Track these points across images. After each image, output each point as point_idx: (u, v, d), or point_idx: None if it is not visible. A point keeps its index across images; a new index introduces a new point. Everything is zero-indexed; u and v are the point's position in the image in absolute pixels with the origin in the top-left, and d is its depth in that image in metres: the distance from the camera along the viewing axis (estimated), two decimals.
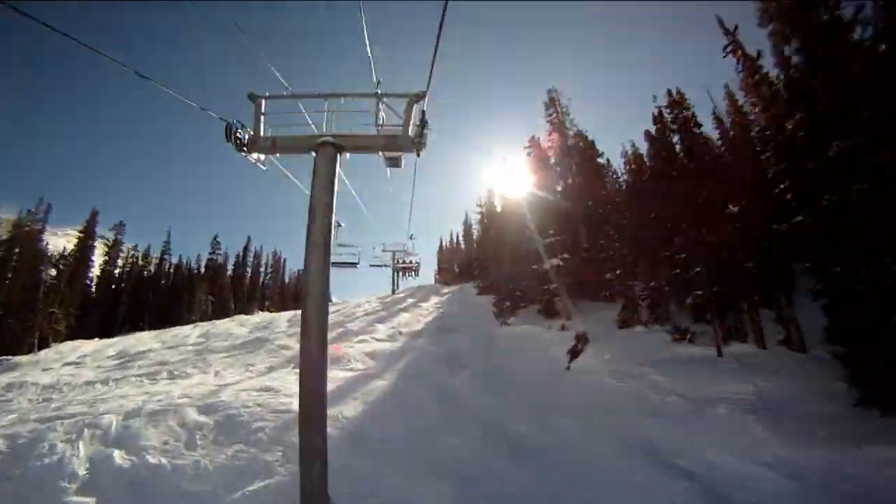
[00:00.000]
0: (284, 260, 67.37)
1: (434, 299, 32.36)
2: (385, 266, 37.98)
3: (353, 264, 9.82)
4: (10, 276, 33.87)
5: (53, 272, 38.26)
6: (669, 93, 16.98)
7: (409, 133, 6.02)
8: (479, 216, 45.23)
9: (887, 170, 9.50)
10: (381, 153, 6.45)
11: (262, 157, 6.38)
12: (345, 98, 6.34)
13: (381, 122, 6.33)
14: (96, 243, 44.13)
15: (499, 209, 36.71)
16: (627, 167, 30.73)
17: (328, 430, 5.55)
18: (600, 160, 26.49)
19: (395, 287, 39.91)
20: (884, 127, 9.72)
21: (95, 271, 45.05)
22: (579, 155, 26.01)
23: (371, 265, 36.45)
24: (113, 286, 45.44)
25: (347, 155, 6.27)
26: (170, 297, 48.37)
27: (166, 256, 50.62)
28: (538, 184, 26.54)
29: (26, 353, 30.49)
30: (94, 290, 44.15)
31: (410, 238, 37.54)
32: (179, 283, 50.14)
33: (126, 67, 4.73)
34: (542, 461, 9.42)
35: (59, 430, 10.67)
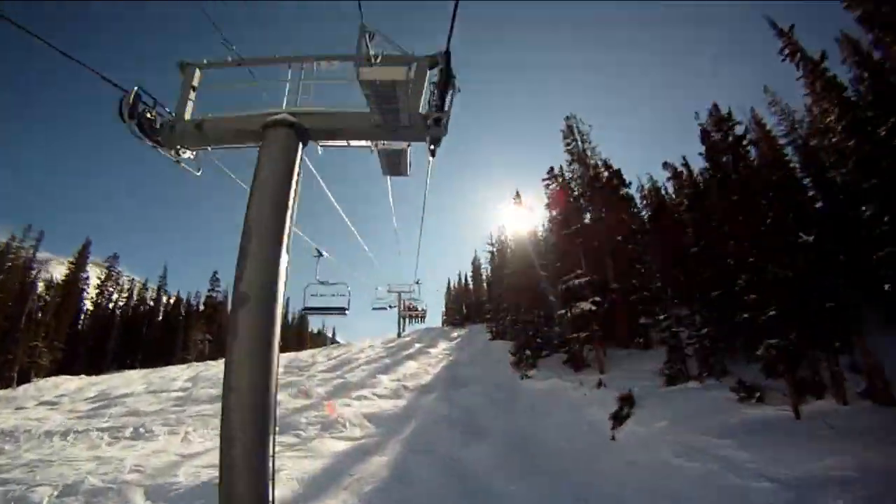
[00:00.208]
0: (288, 298, 64.94)
1: (443, 344, 29.96)
2: (390, 307, 35.13)
3: (341, 310, 7.68)
4: None
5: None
6: (716, 108, 14.78)
7: (420, 109, 3.68)
8: (489, 255, 42.73)
9: None
10: (374, 149, 4.12)
11: (191, 153, 4.06)
12: (322, 63, 4.06)
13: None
14: (92, 273, 42.51)
15: (512, 247, 34.28)
16: (651, 200, 28.50)
17: None
18: (627, 190, 24.21)
19: (401, 331, 37.96)
20: None
21: (90, 304, 43.26)
22: (604, 185, 23.80)
23: (374, 308, 33.42)
24: (105, 320, 43.31)
25: (319, 150, 3.93)
26: (164, 335, 46.07)
27: (164, 291, 48.53)
28: (559, 218, 24.28)
29: (5, 388, 29.08)
30: (84, 323, 42.11)
31: (416, 283, 34.77)
32: (175, 320, 47.83)
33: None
34: None
35: None
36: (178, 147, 3.92)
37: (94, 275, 43.62)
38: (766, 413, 12.49)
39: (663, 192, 28.13)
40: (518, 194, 32.56)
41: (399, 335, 37.36)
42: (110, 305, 44.48)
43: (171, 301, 50.23)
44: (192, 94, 4.05)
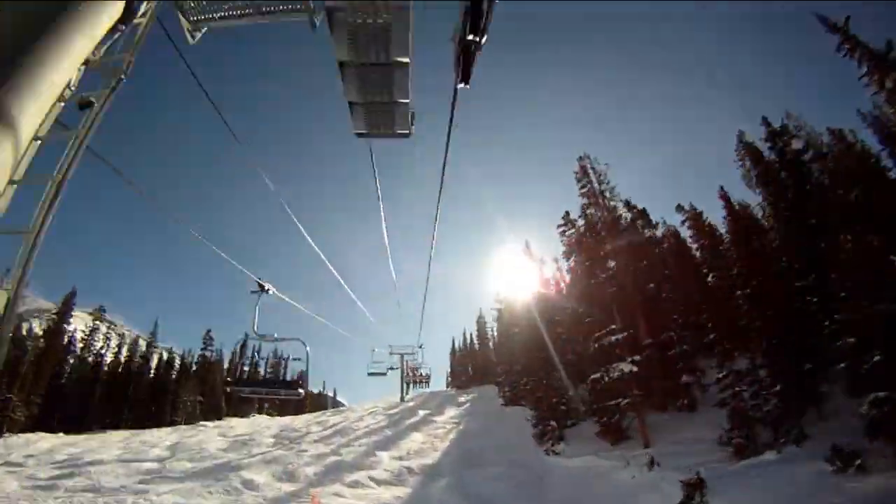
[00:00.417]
0: (287, 359, 61.30)
1: (450, 411, 27.07)
2: (391, 369, 31.76)
3: (294, 385, 5.35)
4: None
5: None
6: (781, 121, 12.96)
7: None
8: (496, 312, 39.65)
9: None
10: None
11: None
12: None
13: None
14: (81, 324, 40.41)
15: (524, 301, 31.52)
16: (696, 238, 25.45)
17: None
18: (654, 232, 22.07)
19: (404, 395, 35.31)
20: None
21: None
22: (628, 228, 21.75)
23: (370, 374, 30.00)
24: (90, 375, 40.46)
25: None
26: (154, 392, 42.85)
27: (154, 346, 45.87)
28: (583, 266, 22.05)
29: None
30: (68, 377, 39.30)
31: (420, 347, 31.78)
32: (165, 379, 44.64)
33: None
34: None
35: None
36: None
37: (82, 325, 41.55)
38: (877, 485, 9.65)
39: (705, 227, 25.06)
40: (527, 244, 30.74)
41: (402, 399, 34.58)
42: (97, 359, 41.83)
43: (163, 357, 47.45)
44: None
